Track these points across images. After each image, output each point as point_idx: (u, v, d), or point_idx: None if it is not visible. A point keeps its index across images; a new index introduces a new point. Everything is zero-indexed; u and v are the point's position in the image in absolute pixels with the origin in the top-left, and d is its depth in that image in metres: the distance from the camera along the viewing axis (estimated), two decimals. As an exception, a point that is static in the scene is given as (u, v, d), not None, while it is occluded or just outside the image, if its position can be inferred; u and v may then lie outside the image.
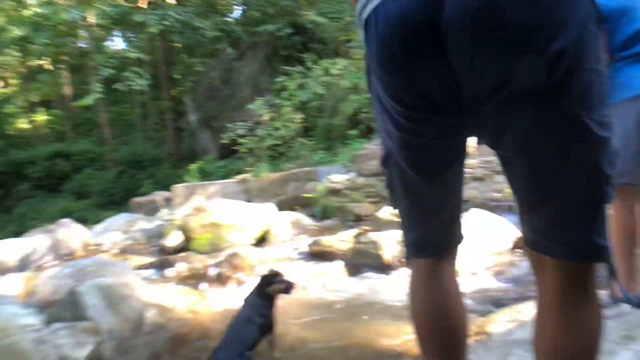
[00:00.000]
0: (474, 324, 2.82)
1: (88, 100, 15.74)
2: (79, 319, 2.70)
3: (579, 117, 0.86)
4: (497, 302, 3.52)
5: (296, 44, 13.35)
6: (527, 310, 2.48)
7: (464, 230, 1.26)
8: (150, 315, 2.93)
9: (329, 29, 12.22)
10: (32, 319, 2.11)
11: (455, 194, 1.16)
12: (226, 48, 15.01)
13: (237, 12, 19.41)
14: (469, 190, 7.51)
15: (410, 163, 1.04)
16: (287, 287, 3.07)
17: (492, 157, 8.15)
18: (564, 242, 0.98)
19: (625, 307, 2.16)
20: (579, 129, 0.87)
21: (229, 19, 18.21)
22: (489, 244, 4.83)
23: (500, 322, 2.55)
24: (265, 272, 3.21)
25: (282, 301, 3.18)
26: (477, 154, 8.23)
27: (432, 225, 1.16)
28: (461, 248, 1.27)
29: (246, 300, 3.04)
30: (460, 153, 1.08)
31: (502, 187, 7.10)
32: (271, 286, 3.02)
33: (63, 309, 2.84)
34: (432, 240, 1.18)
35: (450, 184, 1.12)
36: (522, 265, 4.28)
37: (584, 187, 0.93)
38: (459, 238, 1.24)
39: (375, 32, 0.91)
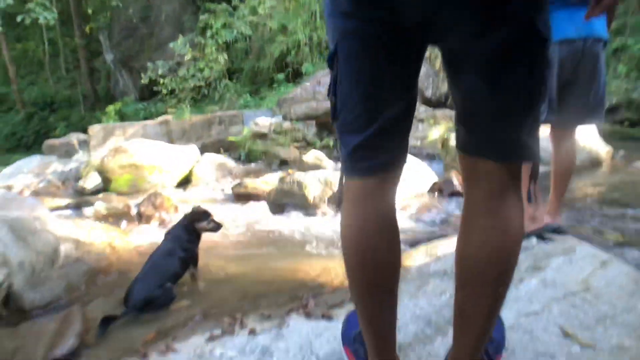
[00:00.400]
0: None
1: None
2: (-16, 253, 2.56)
3: (530, 17, 0.94)
4: (414, 241, 3.73)
5: (222, -20, 12.69)
6: (442, 247, 2.63)
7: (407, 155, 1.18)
8: (66, 249, 2.82)
9: (256, -34, 11.67)
10: None
11: (409, 92, 1.09)
12: (144, -18, 14.02)
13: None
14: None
15: (375, 39, 1.00)
16: (215, 227, 3.07)
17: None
18: (501, 142, 1.04)
19: (533, 240, 2.36)
20: (529, 27, 0.95)
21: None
22: (408, 187, 5.05)
23: (417, 258, 2.64)
24: (193, 208, 3.17)
25: (206, 238, 3.17)
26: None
27: (383, 123, 1.05)
28: (403, 177, 1.17)
29: (169, 233, 3.00)
30: (419, 55, 1.07)
31: (423, 136, 7.38)
32: (200, 223, 3.00)
33: (-35, 243, 2.67)
34: (379, 147, 1.07)
35: (406, 79, 1.07)
36: (438, 207, 4.53)
37: (525, 84, 0.99)
38: (404, 158, 1.14)
39: None
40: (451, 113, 7.85)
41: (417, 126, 8.30)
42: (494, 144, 1.04)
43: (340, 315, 2.00)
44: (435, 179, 5.25)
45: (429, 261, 2.48)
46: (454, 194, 4.48)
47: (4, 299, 2.43)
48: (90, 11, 16.24)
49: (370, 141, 1.06)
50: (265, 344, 1.64)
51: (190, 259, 2.93)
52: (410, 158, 5.55)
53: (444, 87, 8.68)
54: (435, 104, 8.62)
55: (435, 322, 1.56)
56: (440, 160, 6.13)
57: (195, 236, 3.00)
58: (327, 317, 1.99)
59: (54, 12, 13.89)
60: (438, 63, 8.57)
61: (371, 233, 1.10)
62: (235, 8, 10.89)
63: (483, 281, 1.08)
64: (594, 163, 5.35)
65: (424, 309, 1.67)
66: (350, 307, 2.18)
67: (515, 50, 0.96)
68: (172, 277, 2.74)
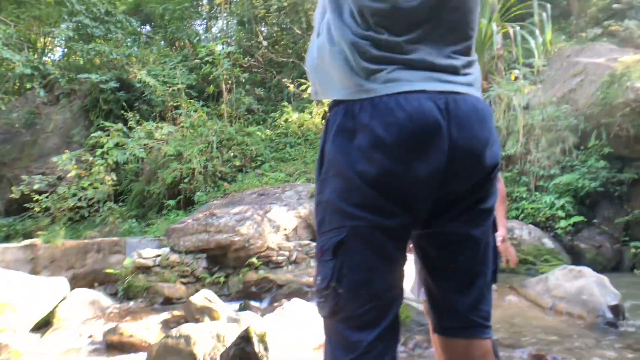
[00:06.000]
0: None
1: None
2: None
3: (494, 209, 1.19)
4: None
5: (120, 100, 12.34)
6: None
7: None
8: None
9: (158, 92, 11.58)
10: None
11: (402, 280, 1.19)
12: (37, 89, 13.19)
13: (58, 53, 17.66)
14: (285, 274, 7.44)
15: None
16: None
17: (308, 241, 8.29)
18: (484, 316, 1.18)
19: None
20: (493, 217, 1.19)
21: (47, 59, 16.39)
22: (309, 338, 4.67)
23: None
24: None
25: None
26: (293, 238, 8.27)
27: (395, 313, 1.12)
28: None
29: None
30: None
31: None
32: None
33: None
34: (394, 338, 1.12)
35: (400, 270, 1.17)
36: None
37: (492, 262, 1.20)
38: None
39: (395, 119, 1.03)
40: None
41: (310, 262, 8.11)
42: (478, 320, 1.19)
43: None
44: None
45: None
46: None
47: None
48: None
49: (387, 333, 1.08)
50: None
51: None
52: (306, 305, 5.26)
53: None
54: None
55: None
56: None
57: None
58: None
59: None
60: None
61: None
62: (131, 129, 10.49)
63: None
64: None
65: None
66: None
67: (489, 235, 1.20)
68: None
